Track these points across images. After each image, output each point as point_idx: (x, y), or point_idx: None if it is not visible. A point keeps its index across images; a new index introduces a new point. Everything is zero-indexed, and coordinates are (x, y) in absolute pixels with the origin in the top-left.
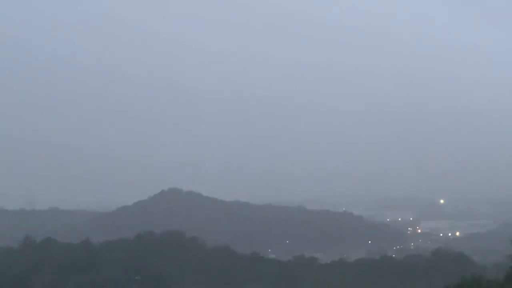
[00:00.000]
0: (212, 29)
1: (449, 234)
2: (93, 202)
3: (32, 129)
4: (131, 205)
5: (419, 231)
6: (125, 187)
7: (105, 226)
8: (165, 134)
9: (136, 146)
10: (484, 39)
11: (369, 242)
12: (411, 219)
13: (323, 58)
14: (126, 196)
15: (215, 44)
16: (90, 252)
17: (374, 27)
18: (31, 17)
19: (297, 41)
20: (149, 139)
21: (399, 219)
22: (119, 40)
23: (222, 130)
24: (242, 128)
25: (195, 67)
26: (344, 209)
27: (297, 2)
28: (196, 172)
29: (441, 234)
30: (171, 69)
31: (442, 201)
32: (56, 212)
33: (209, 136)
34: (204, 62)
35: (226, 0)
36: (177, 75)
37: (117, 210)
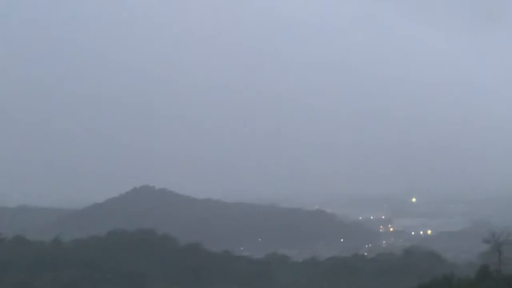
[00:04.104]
0: (208, 26)
1: (421, 233)
2: (63, 199)
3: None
4: (103, 203)
5: (391, 229)
6: (97, 184)
7: (76, 223)
8: (136, 131)
9: (108, 142)
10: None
11: (342, 240)
12: (383, 217)
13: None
14: (97, 193)
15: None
16: (60, 250)
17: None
18: (30, 10)
19: (294, 41)
20: (121, 136)
21: (372, 217)
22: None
23: (195, 128)
24: (216, 126)
25: (182, 64)
26: (316, 207)
27: (300, 2)
28: (168, 170)
29: (413, 233)
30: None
31: (414, 199)
32: (26, 210)
33: (182, 133)
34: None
35: None
36: (165, 74)
37: (88, 208)
